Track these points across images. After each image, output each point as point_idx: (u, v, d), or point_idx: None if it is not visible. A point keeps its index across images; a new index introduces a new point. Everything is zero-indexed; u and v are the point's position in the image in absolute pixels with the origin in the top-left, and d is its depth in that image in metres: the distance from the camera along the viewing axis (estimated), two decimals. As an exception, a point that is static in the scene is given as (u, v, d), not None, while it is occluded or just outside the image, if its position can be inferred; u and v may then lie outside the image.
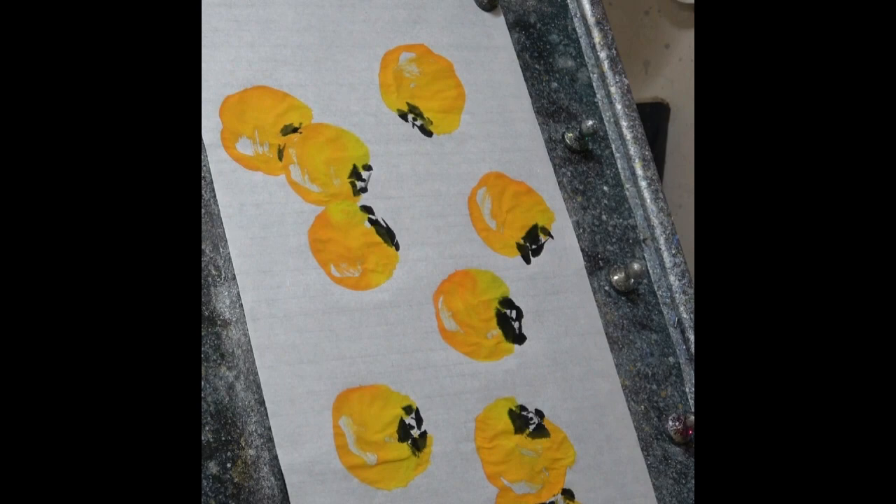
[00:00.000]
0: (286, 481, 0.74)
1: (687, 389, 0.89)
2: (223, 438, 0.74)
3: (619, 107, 0.95)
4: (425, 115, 0.89)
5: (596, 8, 0.97)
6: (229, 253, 0.79)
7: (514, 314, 0.86)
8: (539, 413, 0.83)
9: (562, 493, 0.82)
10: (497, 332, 0.84)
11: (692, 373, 0.89)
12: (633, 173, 0.94)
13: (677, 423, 0.87)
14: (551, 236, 0.89)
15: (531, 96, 0.94)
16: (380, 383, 0.79)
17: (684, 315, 0.90)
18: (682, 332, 0.90)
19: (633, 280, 0.89)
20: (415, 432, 0.79)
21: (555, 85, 0.96)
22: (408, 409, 0.79)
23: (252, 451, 0.75)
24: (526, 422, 0.83)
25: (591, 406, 0.85)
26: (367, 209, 0.84)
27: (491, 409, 0.82)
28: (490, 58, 0.94)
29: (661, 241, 0.92)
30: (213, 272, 0.78)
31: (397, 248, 0.84)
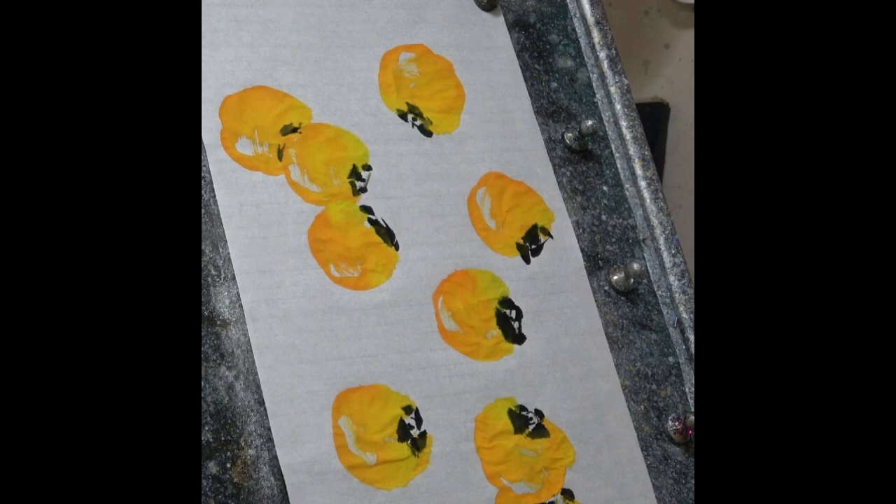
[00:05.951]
0: (286, 481, 0.74)
1: (687, 389, 0.89)
2: (223, 438, 0.74)
3: (618, 107, 0.95)
4: (425, 115, 0.89)
5: (596, 8, 0.97)
6: (229, 253, 0.79)
7: (513, 314, 0.86)
8: (539, 413, 0.83)
9: (561, 493, 0.82)
10: (497, 332, 0.84)
11: (692, 373, 0.89)
12: (633, 173, 0.94)
13: (677, 423, 0.87)
14: (551, 236, 0.89)
15: (531, 96, 0.94)
16: (379, 383, 0.79)
17: (684, 315, 0.90)
18: (682, 332, 0.90)
19: (632, 280, 0.89)
20: (414, 432, 0.79)
21: (554, 85, 0.95)
22: (407, 409, 0.79)
23: (252, 451, 0.75)
24: (526, 422, 0.83)
25: (590, 406, 0.85)
26: (367, 209, 0.84)
27: (490, 409, 0.82)
28: (490, 58, 0.94)
29: (661, 241, 0.92)
30: (213, 272, 0.78)
31: (397, 248, 0.84)
